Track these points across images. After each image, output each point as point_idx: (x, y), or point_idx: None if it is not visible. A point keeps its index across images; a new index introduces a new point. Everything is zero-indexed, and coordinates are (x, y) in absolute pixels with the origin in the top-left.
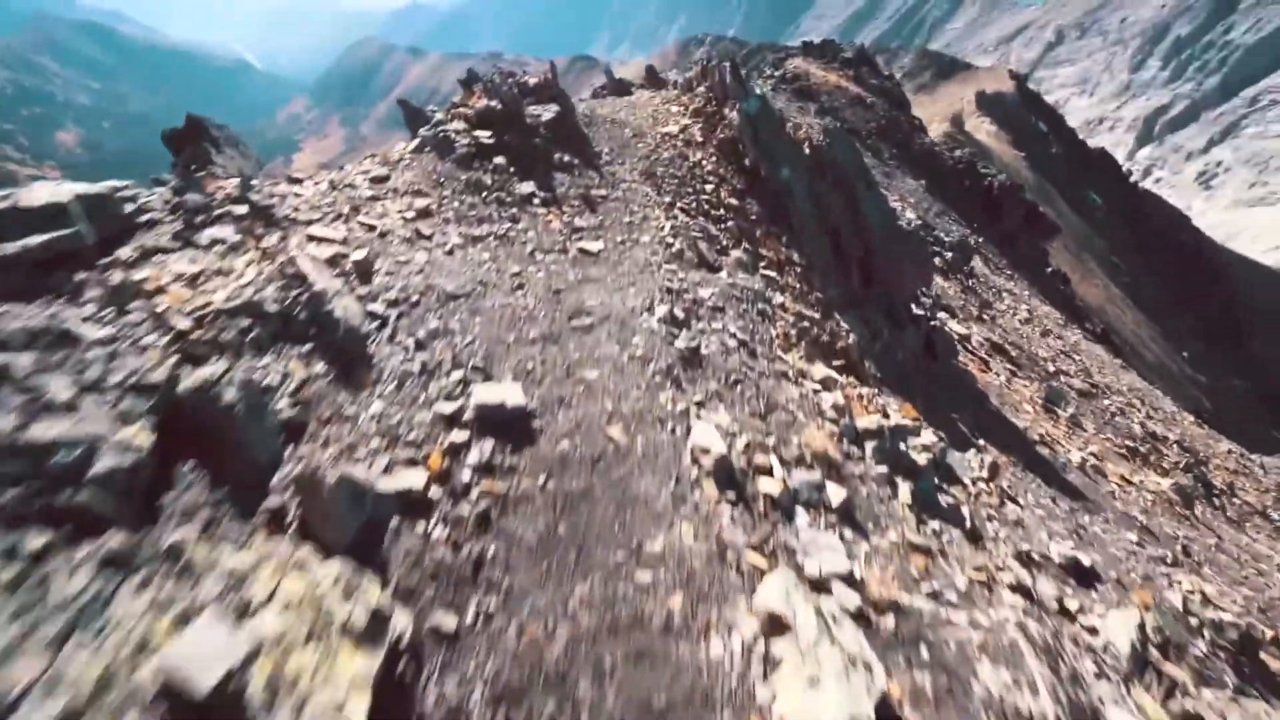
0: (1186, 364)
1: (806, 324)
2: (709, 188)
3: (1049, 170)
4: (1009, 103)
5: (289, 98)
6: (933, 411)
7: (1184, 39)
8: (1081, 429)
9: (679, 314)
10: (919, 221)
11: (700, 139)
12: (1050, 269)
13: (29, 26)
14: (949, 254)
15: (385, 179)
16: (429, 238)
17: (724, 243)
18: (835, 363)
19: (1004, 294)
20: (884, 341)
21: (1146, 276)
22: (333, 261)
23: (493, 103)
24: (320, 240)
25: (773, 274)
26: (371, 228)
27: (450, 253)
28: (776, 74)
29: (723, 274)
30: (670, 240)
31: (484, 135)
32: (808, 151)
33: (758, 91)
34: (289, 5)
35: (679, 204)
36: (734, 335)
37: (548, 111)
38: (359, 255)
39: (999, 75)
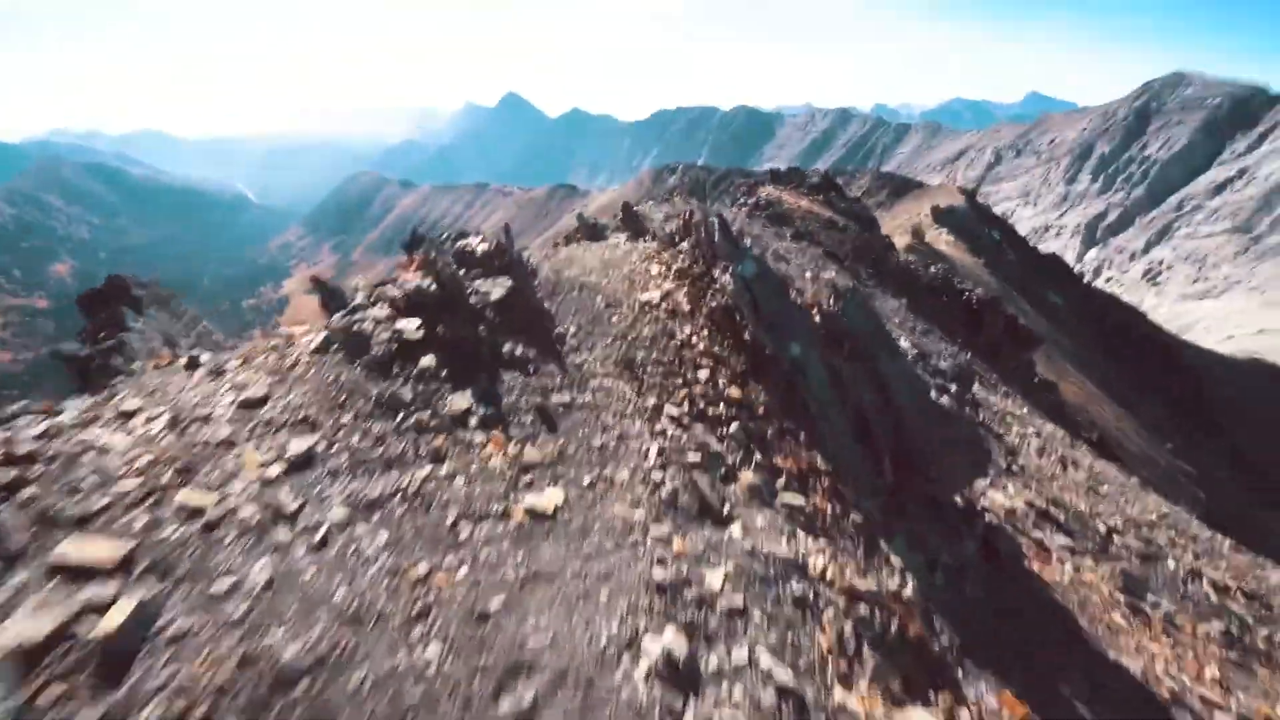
0: (1170, 454)
1: (865, 607)
2: (703, 374)
3: (1008, 275)
4: (962, 215)
5: (283, 227)
6: (1031, 690)
7: (1107, 156)
8: (1177, 628)
9: (679, 648)
10: (914, 351)
11: (687, 308)
12: (1037, 378)
13: (39, 167)
14: (951, 386)
15: (261, 402)
16: (293, 517)
17: (730, 461)
18: (913, 664)
19: (1009, 418)
20: (943, 566)
21: (1114, 371)
22: (71, 626)
23: (426, 282)
24: (75, 574)
25: (797, 499)
26: (197, 512)
27: (320, 546)
28: (750, 201)
29: (735, 528)
30: (658, 476)
31: (411, 327)
32: (817, 318)
33: (749, 250)
34: (288, 145)
35: (667, 405)
36: (769, 674)
37: (497, 288)
38: (137, 596)
39: (950, 191)
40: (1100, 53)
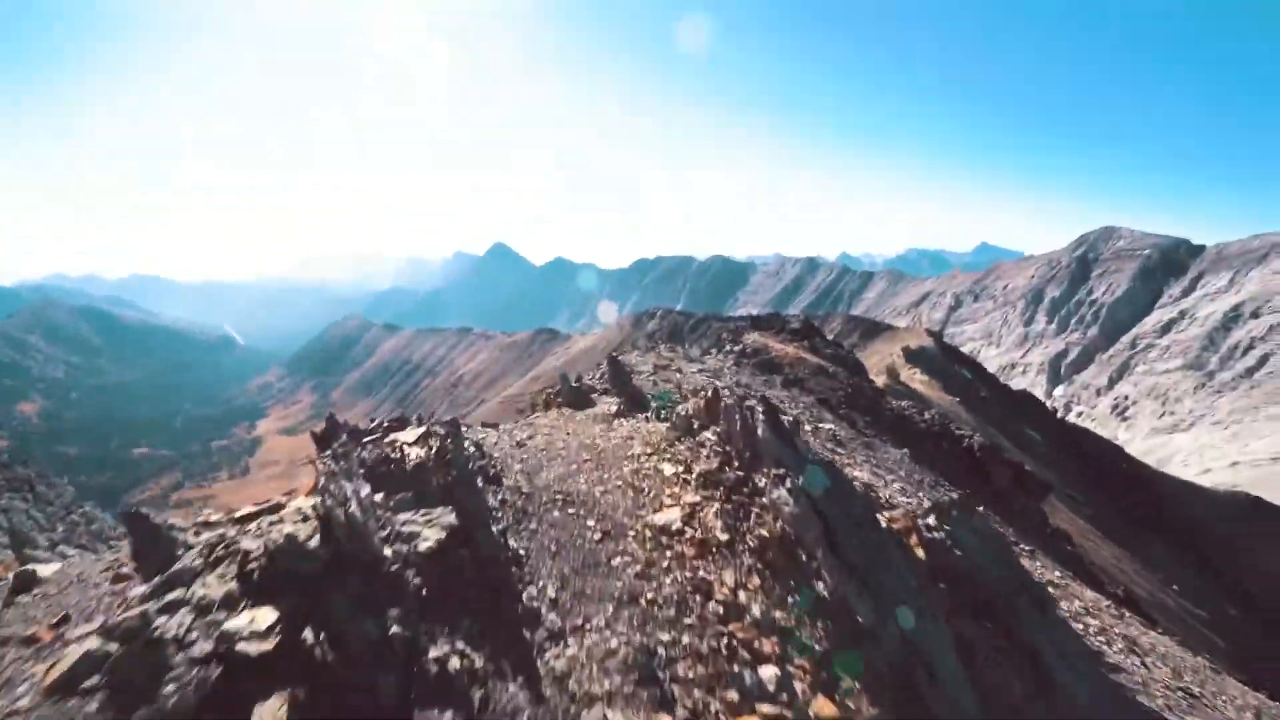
0: (1177, 595)
1: None
2: (768, 676)
3: (984, 412)
4: (932, 355)
5: (265, 368)
6: None
7: (1058, 299)
8: None
9: None
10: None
11: (724, 536)
12: (1050, 529)
13: (30, 309)
14: None
15: None
16: None
17: None
18: None
19: (1053, 588)
20: None
21: (1103, 507)
22: None
23: (305, 529)
24: None
25: None
26: None
27: None
28: (736, 348)
29: None
30: None
31: (258, 625)
32: (920, 553)
33: (810, 451)
34: (280, 289)
35: None
36: None
37: (431, 528)
38: None
39: (918, 333)
40: (1040, 205)
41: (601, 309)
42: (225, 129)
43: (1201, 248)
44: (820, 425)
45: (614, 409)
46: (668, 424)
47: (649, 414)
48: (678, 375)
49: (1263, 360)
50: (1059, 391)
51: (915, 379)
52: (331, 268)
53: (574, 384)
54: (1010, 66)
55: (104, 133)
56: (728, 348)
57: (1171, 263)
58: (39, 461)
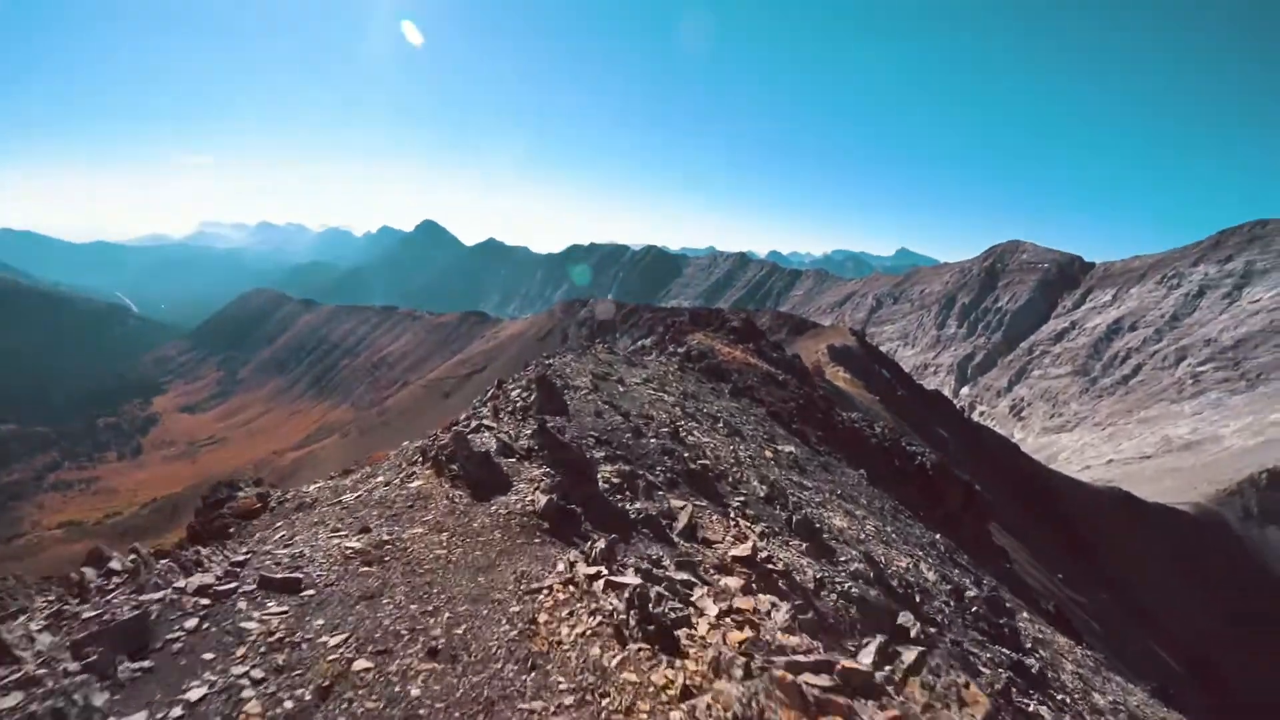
0: (1063, 585)
1: None
2: None
3: (901, 410)
4: (855, 354)
5: (163, 341)
6: None
7: (967, 305)
8: None
9: None
10: (944, 584)
11: None
12: (1009, 565)
13: None
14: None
15: None
16: None
17: None
18: None
19: (1041, 648)
20: None
21: (1002, 502)
22: None
23: None
24: None
25: None
26: None
27: None
28: (680, 350)
29: None
30: None
31: None
32: None
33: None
34: (183, 255)
35: None
36: None
37: None
38: None
39: (842, 331)
40: (955, 214)
41: (599, 307)
42: (126, 72)
43: (1092, 264)
44: (778, 448)
45: (540, 505)
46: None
47: (594, 546)
48: (619, 388)
49: (1136, 369)
50: (965, 391)
51: (839, 376)
52: (241, 236)
53: (462, 432)
54: (934, 81)
55: None
56: (670, 349)
57: (1067, 277)
58: None
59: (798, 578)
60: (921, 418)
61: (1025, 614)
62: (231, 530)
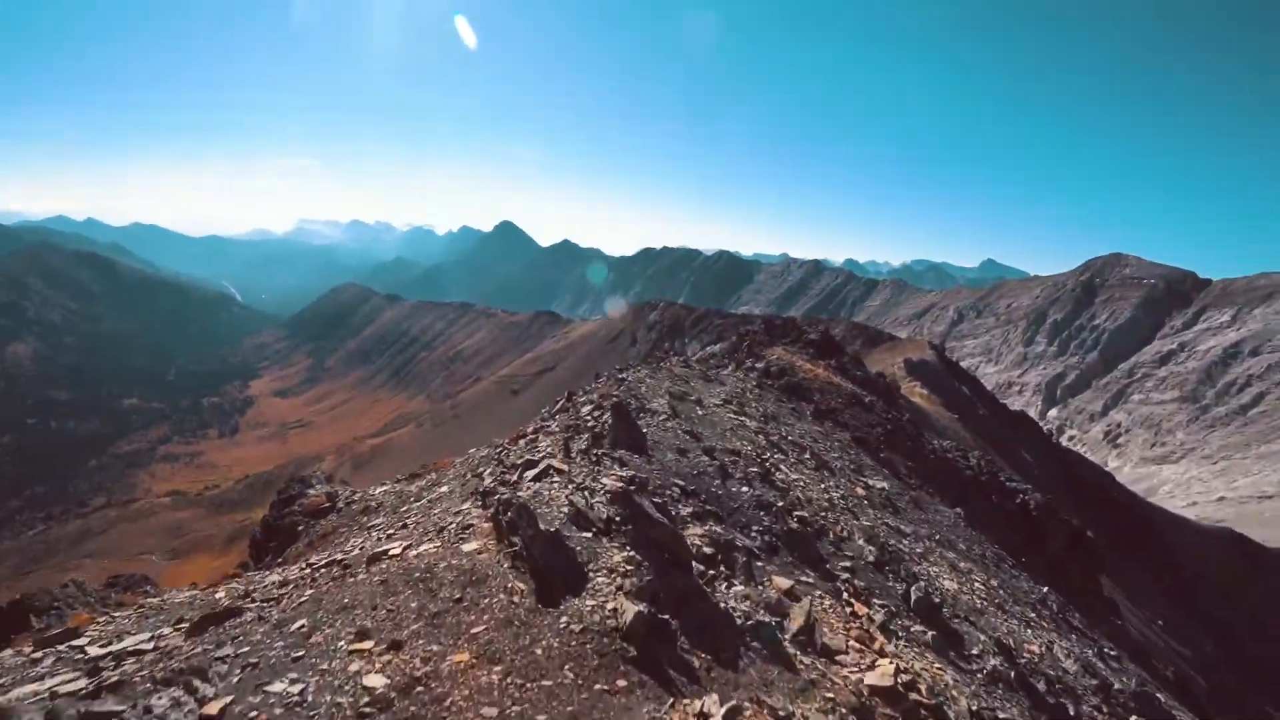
0: (1162, 631)
1: None
2: None
3: (982, 431)
4: (933, 368)
5: (261, 328)
6: None
7: (1060, 322)
8: None
9: None
10: (1074, 665)
11: None
12: (1120, 621)
13: (30, 250)
14: None
15: None
16: None
17: None
18: None
19: None
20: None
21: (1091, 531)
22: None
23: None
24: None
25: None
26: None
27: None
28: (759, 365)
29: None
30: None
31: None
32: None
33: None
34: (282, 251)
35: None
36: None
37: None
38: None
39: (919, 345)
40: (1046, 226)
41: (609, 304)
42: (238, 84)
43: (1208, 281)
44: (869, 483)
45: (625, 619)
46: None
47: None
48: (698, 410)
49: (1258, 398)
50: (1053, 414)
51: (916, 392)
52: (334, 233)
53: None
54: (1027, 77)
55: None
56: (749, 363)
57: (1176, 294)
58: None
59: (951, 714)
60: (1003, 439)
61: (1170, 701)
62: (300, 528)
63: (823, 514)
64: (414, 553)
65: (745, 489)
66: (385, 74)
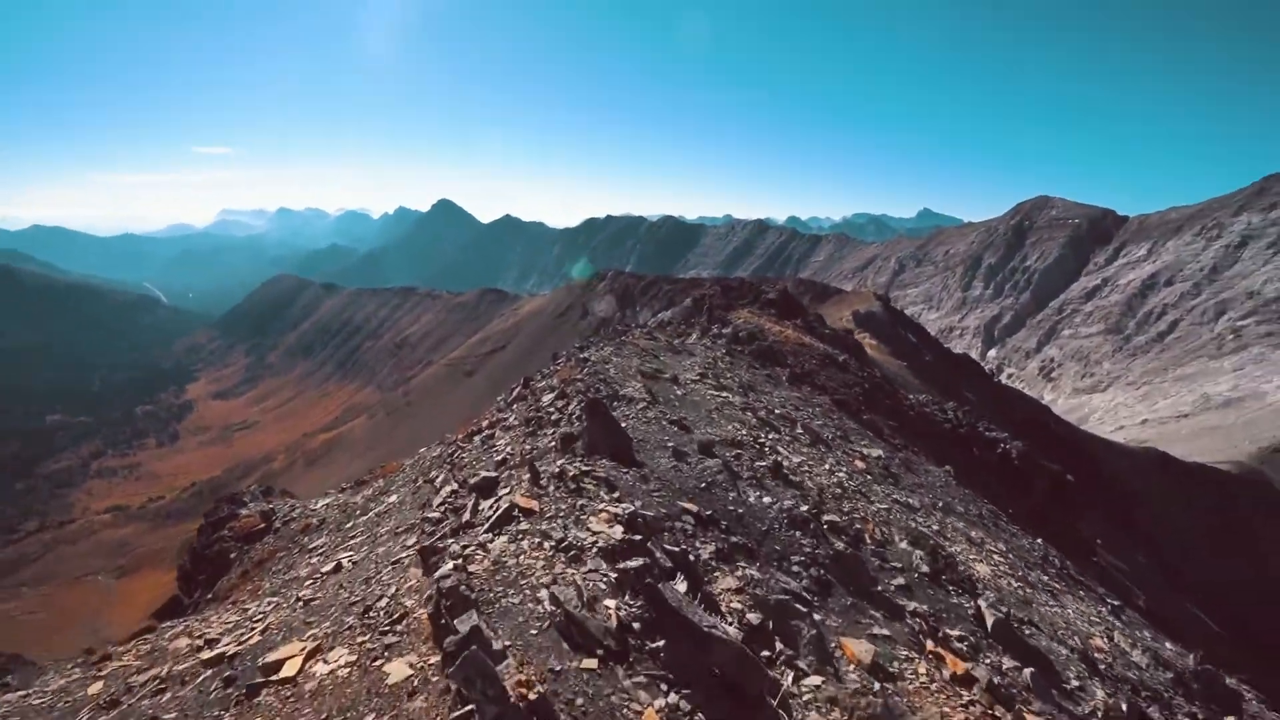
0: (1104, 550)
1: None
2: None
3: (928, 375)
4: (880, 319)
5: (192, 329)
6: None
7: (994, 266)
8: None
9: None
10: (1142, 658)
11: None
12: (1095, 558)
13: None
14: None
15: None
16: None
17: None
18: None
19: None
20: None
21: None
22: None
23: None
24: None
25: None
26: None
27: None
28: (725, 331)
29: None
30: None
31: None
32: None
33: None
34: (206, 246)
35: None
36: None
37: None
38: None
39: (866, 296)
40: (978, 174)
41: (599, 305)
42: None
43: (1125, 218)
44: (865, 452)
45: None
46: None
47: None
48: (677, 391)
49: (1173, 325)
50: (992, 354)
51: (866, 342)
52: (260, 223)
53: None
54: (954, 33)
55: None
56: (715, 330)
57: (1098, 232)
58: None
59: None
60: (950, 382)
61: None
62: (233, 555)
63: (845, 508)
64: (319, 670)
65: (764, 497)
66: (297, 51)
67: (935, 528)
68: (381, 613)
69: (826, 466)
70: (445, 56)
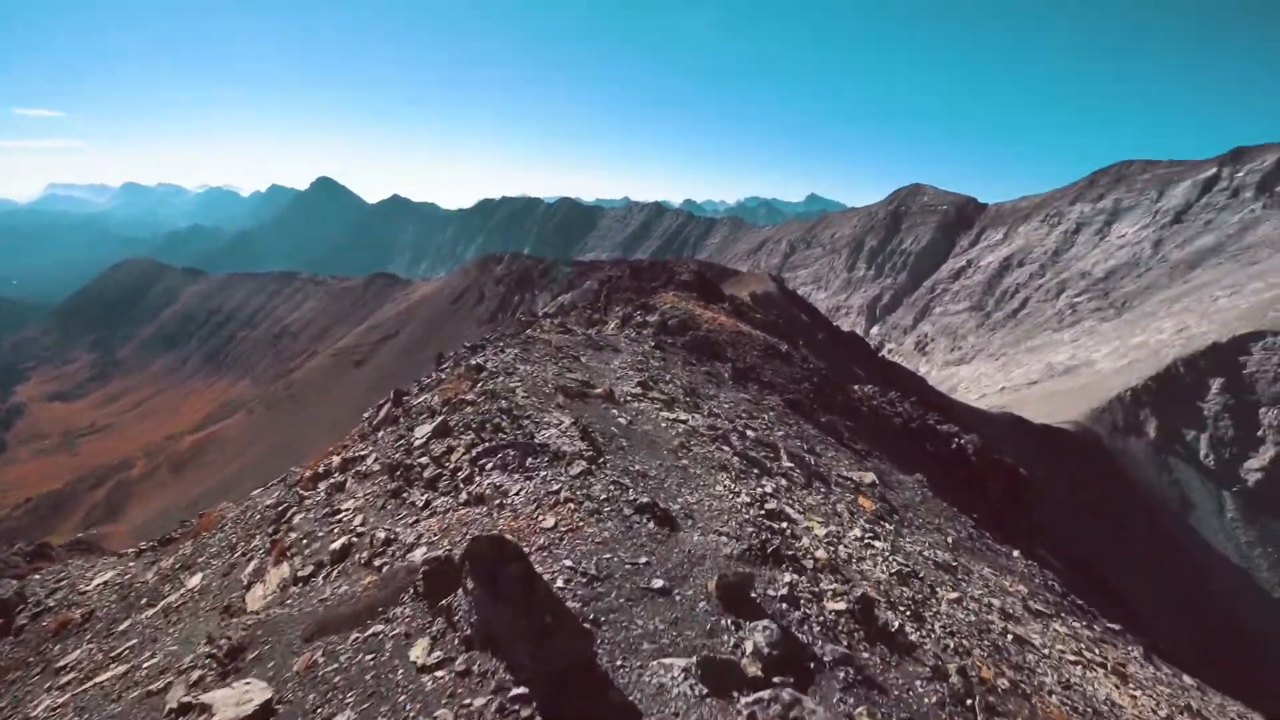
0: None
1: None
2: None
3: (822, 354)
4: (776, 299)
5: (21, 322)
6: None
7: (875, 248)
8: None
9: None
10: None
11: None
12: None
13: None
14: None
15: None
16: None
17: None
18: None
19: None
20: None
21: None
22: None
23: None
24: None
25: None
26: None
27: None
28: (652, 319)
29: None
30: None
31: None
32: None
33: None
34: (39, 224)
35: None
36: None
37: None
38: None
39: (761, 278)
40: (860, 162)
41: (545, 307)
42: None
43: (985, 206)
44: (858, 477)
45: None
46: None
47: None
48: (618, 418)
49: (1024, 303)
50: (875, 331)
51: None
52: (101, 199)
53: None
54: (837, 28)
55: None
56: (638, 318)
57: (963, 218)
58: None
59: None
60: (842, 360)
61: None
62: None
63: (938, 629)
64: None
65: (827, 649)
66: (144, 3)
67: (977, 594)
68: None
69: (855, 538)
70: (314, 18)
